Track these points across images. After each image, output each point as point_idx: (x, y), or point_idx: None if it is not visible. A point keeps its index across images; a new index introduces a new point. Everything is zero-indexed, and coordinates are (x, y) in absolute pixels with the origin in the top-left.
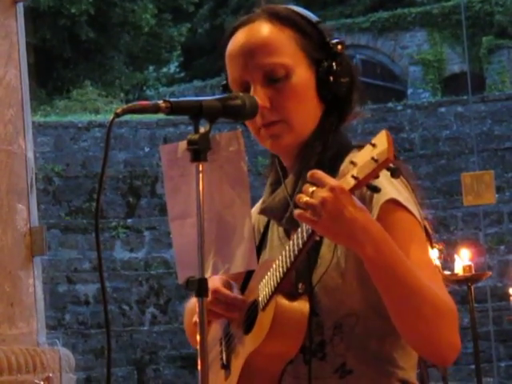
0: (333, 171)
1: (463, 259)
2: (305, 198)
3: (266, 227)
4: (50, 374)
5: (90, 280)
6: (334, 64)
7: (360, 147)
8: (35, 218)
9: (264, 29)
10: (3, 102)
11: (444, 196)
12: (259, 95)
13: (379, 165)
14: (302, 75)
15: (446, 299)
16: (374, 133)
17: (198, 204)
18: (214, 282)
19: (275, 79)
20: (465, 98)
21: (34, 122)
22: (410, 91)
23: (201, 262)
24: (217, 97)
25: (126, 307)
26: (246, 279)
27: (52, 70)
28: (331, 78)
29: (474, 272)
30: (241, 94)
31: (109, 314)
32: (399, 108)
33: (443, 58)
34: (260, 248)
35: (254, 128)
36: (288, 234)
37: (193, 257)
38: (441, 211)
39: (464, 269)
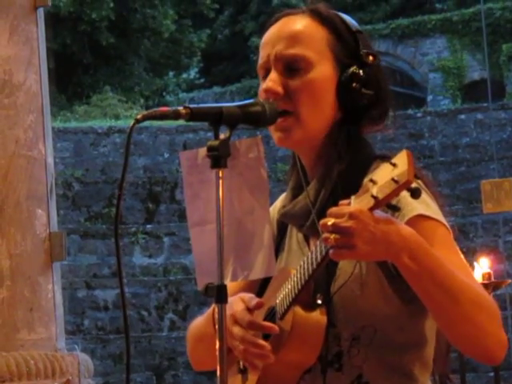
0: (356, 182)
1: (482, 267)
2: (332, 221)
3: (283, 229)
4: (70, 378)
5: (109, 285)
6: (359, 72)
7: (383, 158)
8: (55, 224)
9: (300, 22)
10: (23, 108)
11: (463, 203)
12: (274, 80)
13: (399, 186)
14: (323, 73)
15: (486, 296)
16: (394, 140)
17: (217, 210)
18: (234, 305)
19: (294, 69)
20: (485, 105)
21: (53, 128)
22: (429, 98)
23: (220, 268)
24: (237, 103)
25: (144, 313)
26: (262, 284)
27: (72, 76)
28: (353, 86)
29: (493, 279)
30: (261, 100)
31: (128, 320)
32: (419, 115)
33: (463, 65)
34: (277, 250)
35: None
36: (307, 240)
37: (212, 263)
38: (460, 218)
39: (483, 276)
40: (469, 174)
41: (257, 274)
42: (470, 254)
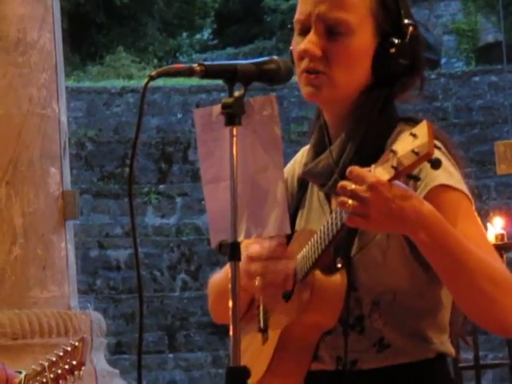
0: (379, 145)
1: (496, 228)
2: (352, 186)
3: (304, 186)
4: (85, 335)
5: (122, 245)
6: (399, 43)
7: (406, 120)
8: (68, 182)
9: None
10: (37, 66)
11: (477, 165)
12: (313, 41)
13: (419, 158)
14: (363, 39)
15: (503, 271)
16: (408, 102)
17: (231, 168)
18: (248, 248)
19: (334, 33)
20: (499, 67)
21: (67, 87)
22: (443, 60)
23: (233, 225)
24: (252, 61)
25: (157, 273)
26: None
27: (85, 36)
28: (391, 56)
29: (506, 240)
30: (276, 58)
31: (141, 280)
32: (433, 77)
33: (477, 27)
34: (297, 207)
35: (298, 70)
36: (328, 199)
37: (226, 221)
38: (473, 180)
39: (496, 237)
40: (482, 136)
41: (270, 231)
42: (484, 216)
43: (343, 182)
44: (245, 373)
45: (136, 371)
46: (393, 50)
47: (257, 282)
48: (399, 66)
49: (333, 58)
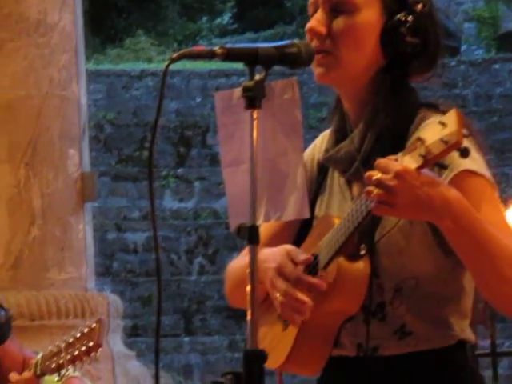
0: (402, 131)
1: None
2: (378, 175)
3: (325, 171)
4: (101, 317)
5: (139, 228)
6: (405, 19)
7: (429, 106)
8: (87, 164)
9: None
10: (57, 48)
11: (496, 153)
12: (319, 19)
13: (448, 147)
14: (368, 17)
15: None
16: (427, 88)
17: (251, 151)
18: (278, 258)
19: (339, 11)
20: None
21: (86, 70)
22: (463, 48)
23: (252, 209)
24: (273, 44)
25: (174, 256)
26: (302, 228)
27: (105, 19)
28: (398, 33)
29: None
30: (297, 41)
31: (160, 263)
32: (453, 64)
33: (498, 14)
34: (318, 191)
35: None
36: (349, 185)
37: (245, 204)
38: (492, 169)
39: None
40: (501, 124)
41: (289, 215)
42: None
43: (369, 172)
44: (262, 356)
45: (152, 354)
46: (399, 28)
47: (277, 296)
48: (408, 44)
49: (338, 37)
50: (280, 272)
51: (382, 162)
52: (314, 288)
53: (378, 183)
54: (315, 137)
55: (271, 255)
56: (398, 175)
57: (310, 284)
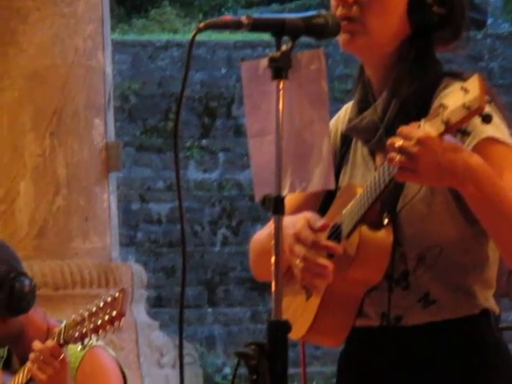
0: (426, 100)
1: None
2: (400, 142)
3: (348, 142)
4: (125, 287)
5: (163, 199)
6: None
7: (453, 75)
8: (112, 134)
9: None
10: (83, 17)
11: None
12: None
13: (471, 113)
14: None
15: None
16: (452, 61)
17: (276, 122)
18: (297, 224)
19: None
20: None
21: (111, 40)
22: (490, 21)
23: (278, 179)
24: (299, 15)
25: (198, 227)
26: (326, 198)
27: None
28: (425, 3)
29: None
30: (324, 12)
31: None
32: (479, 37)
33: None
34: (341, 163)
35: None
36: (373, 155)
37: (270, 175)
38: None
39: None
40: None
41: (315, 186)
42: None
43: (392, 139)
44: (286, 326)
45: (175, 324)
46: None
47: (297, 262)
48: (434, 14)
49: (365, 3)
50: (298, 238)
51: (404, 128)
52: (330, 250)
53: (401, 150)
54: (339, 109)
55: (291, 222)
56: (420, 141)
57: (326, 247)
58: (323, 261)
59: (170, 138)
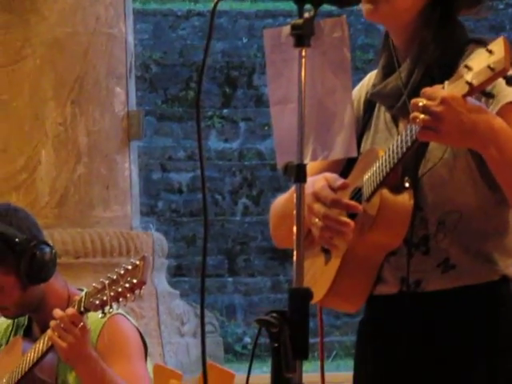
0: (450, 66)
1: None
2: (424, 102)
3: (371, 108)
4: (146, 255)
5: (184, 168)
6: None
7: (478, 42)
8: (133, 103)
9: None
10: None
11: None
12: None
13: (495, 74)
14: None
15: None
16: (474, 31)
17: (299, 90)
18: (316, 184)
19: None
20: None
21: (133, 9)
22: None
23: (300, 147)
24: None
25: (218, 197)
26: (347, 165)
27: None
28: None
29: None
30: None
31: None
32: (501, 7)
33: None
34: (364, 129)
35: None
36: (396, 121)
37: (292, 142)
38: None
39: None
40: None
41: (337, 154)
42: None
43: (415, 99)
44: (307, 294)
45: (195, 293)
46: None
47: (316, 221)
48: None
49: None
50: (317, 196)
51: (428, 89)
52: (350, 209)
53: (424, 109)
54: (361, 78)
55: (310, 182)
56: (444, 101)
57: (346, 205)
58: (344, 218)
59: (191, 107)
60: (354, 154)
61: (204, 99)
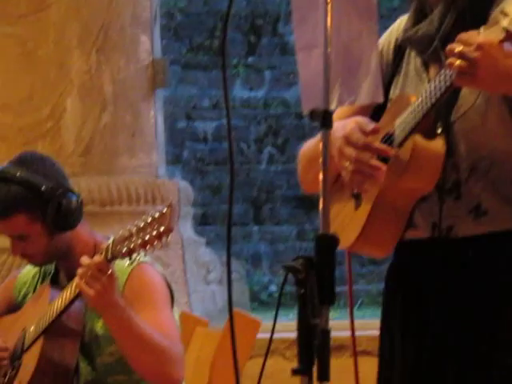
0: (483, 12)
1: None
2: (460, 48)
3: (401, 53)
4: (173, 201)
5: (209, 117)
6: None
7: None
8: (158, 51)
9: None
10: None
11: None
12: None
13: None
14: None
15: None
16: None
17: (325, 35)
18: (347, 127)
19: None
20: None
21: None
22: None
23: (326, 93)
24: None
25: (243, 145)
26: (375, 111)
27: None
28: None
29: None
30: None
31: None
32: None
33: None
34: (393, 74)
35: None
36: (426, 67)
37: (318, 88)
38: None
39: None
40: None
41: (363, 99)
42: None
43: (451, 45)
44: (334, 240)
45: (221, 242)
46: None
47: (347, 164)
48: None
49: None
50: (348, 140)
51: (463, 35)
52: (382, 153)
53: (460, 55)
54: (386, 26)
55: (340, 125)
56: (480, 47)
57: (378, 149)
58: (376, 162)
59: (216, 55)
60: (381, 100)
61: (229, 48)
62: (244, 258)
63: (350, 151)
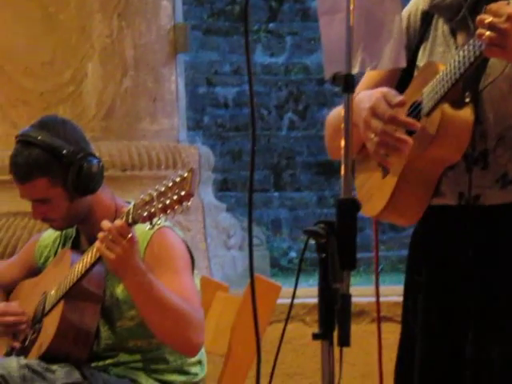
0: None
1: None
2: (490, 19)
3: (428, 20)
4: (194, 166)
5: (230, 83)
6: None
7: None
8: (180, 15)
9: None
10: None
11: None
12: None
13: None
14: None
15: None
16: None
17: None
18: (373, 98)
19: None
20: None
21: None
22: None
23: (348, 57)
24: None
25: (264, 111)
26: (402, 78)
27: None
28: None
29: None
30: None
31: (249, 118)
32: None
33: None
34: (421, 40)
35: None
36: (454, 34)
37: (340, 53)
38: None
39: None
40: None
41: (385, 64)
42: None
43: (481, 16)
44: (355, 205)
45: (241, 208)
46: None
47: (372, 136)
48: None
49: None
50: (374, 112)
51: (493, 6)
52: (409, 126)
53: (490, 26)
54: None
55: (367, 96)
56: (510, 18)
57: (405, 122)
58: (403, 135)
59: (237, 21)
60: (403, 65)
61: (250, 13)
62: (264, 224)
63: (376, 123)
